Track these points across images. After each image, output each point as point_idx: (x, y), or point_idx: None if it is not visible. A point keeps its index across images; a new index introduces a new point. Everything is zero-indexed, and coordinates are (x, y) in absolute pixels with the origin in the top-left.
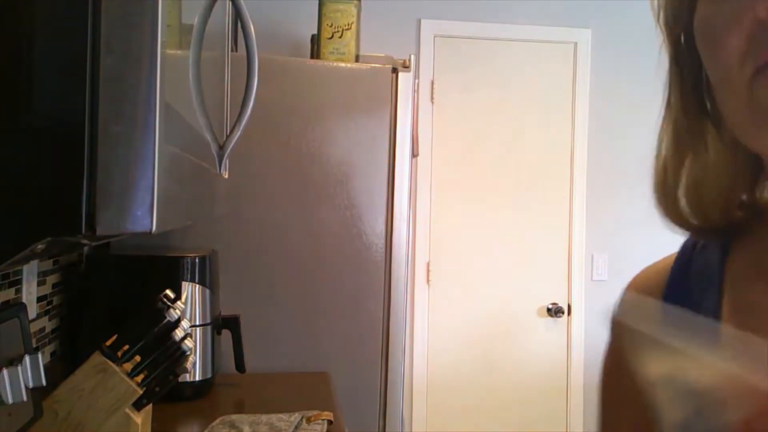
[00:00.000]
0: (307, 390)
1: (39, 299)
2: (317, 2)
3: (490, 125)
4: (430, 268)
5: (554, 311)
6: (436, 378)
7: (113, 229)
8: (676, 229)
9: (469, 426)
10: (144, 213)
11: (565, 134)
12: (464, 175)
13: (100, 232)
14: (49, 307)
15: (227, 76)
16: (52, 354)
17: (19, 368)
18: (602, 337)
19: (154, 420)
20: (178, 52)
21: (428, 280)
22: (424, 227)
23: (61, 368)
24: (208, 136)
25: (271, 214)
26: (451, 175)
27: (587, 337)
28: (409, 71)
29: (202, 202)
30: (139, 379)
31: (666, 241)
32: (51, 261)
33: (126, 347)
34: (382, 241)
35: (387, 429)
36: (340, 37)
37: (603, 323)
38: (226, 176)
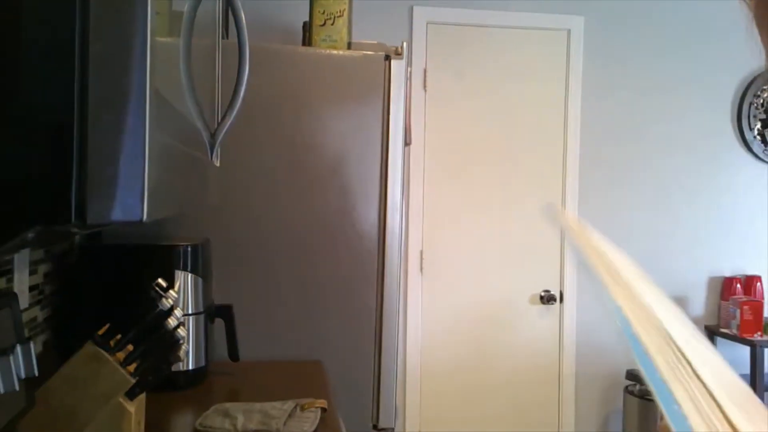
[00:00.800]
0: (300, 378)
1: (31, 289)
2: None
3: (482, 113)
4: (423, 257)
5: (546, 299)
6: (429, 365)
7: (103, 218)
8: None
9: (463, 412)
10: (134, 202)
11: (558, 122)
12: (457, 163)
13: (90, 221)
14: (41, 296)
15: (218, 64)
16: (45, 343)
17: (11, 358)
18: (594, 324)
19: (147, 409)
20: (169, 39)
21: (421, 268)
22: (417, 215)
23: (54, 358)
24: (199, 124)
25: (264, 203)
26: (443, 163)
27: (579, 324)
28: (402, 58)
29: (194, 190)
30: (132, 368)
31: (659, 227)
32: (42, 250)
33: (119, 336)
34: (375, 229)
35: (380, 416)
36: (332, 25)
37: (595, 310)
38: (218, 164)
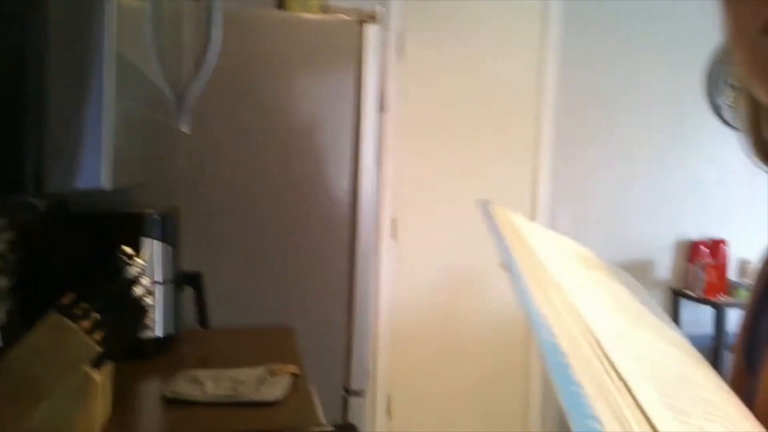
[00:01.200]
0: (271, 344)
1: None
2: None
3: (458, 80)
4: (396, 223)
5: None
6: (400, 329)
7: (62, 187)
8: None
9: (433, 375)
10: (95, 169)
11: (534, 90)
12: (431, 130)
13: (49, 189)
14: (5, 265)
15: (188, 29)
16: (8, 313)
17: None
18: None
19: (115, 377)
20: (135, 1)
21: (394, 235)
22: (390, 182)
23: (18, 327)
24: (166, 89)
25: (234, 169)
26: (418, 130)
27: None
28: (377, 24)
29: (161, 157)
30: (98, 336)
31: (628, 191)
32: (5, 218)
33: (84, 304)
34: (348, 195)
35: (352, 379)
36: None
37: None
38: (187, 131)
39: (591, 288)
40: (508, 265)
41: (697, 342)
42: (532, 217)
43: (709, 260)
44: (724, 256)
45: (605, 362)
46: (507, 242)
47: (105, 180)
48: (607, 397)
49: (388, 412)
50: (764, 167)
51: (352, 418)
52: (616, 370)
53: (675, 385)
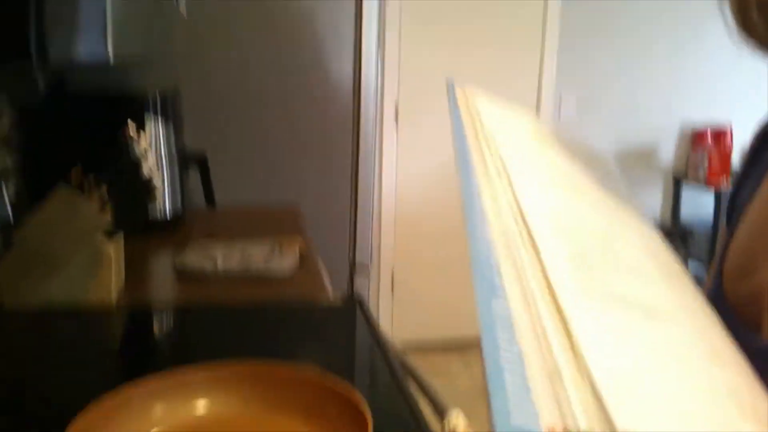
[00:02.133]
0: (278, 221)
1: None
2: None
3: None
4: (399, 108)
5: None
6: (403, 210)
7: (66, 56)
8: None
9: (435, 252)
10: (98, 39)
11: None
12: (434, 18)
13: (52, 58)
14: (9, 144)
15: None
16: (17, 192)
17: None
18: None
19: (126, 251)
20: None
21: (396, 120)
22: (393, 68)
23: (27, 205)
24: None
25: (235, 53)
26: (420, 17)
27: None
28: None
29: (161, 35)
30: (107, 209)
31: (636, 79)
32: (7, 99)
33: (92, 178)
34: (350, 80)
35: (357, 254)
36: None
37: None
38: (185, 13)
39: (536, 167)
40: (458, 147)
41: (697, 227)
42: (537, 102)
43: (712, 147)
44: (727, 143)
45: (530, 248)
46: (464, 121)
47: (109, 50)
48: (514, 255)
49: (392, 285)
50: (752, 48)
51: (357, 292)
52: (529, 231)
53: (596, 252)
